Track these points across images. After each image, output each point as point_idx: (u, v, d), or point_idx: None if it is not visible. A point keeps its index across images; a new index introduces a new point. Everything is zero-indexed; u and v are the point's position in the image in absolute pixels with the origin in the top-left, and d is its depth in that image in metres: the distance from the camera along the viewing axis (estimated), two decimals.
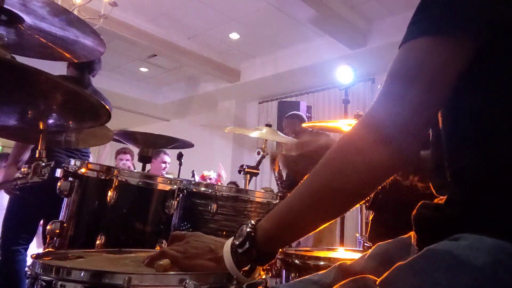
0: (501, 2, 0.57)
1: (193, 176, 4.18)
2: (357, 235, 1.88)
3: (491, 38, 0.57)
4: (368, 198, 0.67)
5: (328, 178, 0.64)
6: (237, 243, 0.67)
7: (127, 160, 4.39)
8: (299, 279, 0.71)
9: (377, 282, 0.57)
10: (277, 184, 2.47)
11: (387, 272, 0.56)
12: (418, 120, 0.59)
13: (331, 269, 0.76)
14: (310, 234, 0.70)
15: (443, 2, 0.59)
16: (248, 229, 0.68)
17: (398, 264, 0.56)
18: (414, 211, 0.68)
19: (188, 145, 1.96)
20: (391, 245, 0.77)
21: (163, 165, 4.61)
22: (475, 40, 0.58)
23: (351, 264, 0.76)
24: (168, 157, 4.63)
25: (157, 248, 1.22)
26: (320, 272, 0.77)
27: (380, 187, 0.65)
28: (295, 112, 4.44)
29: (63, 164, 1.27)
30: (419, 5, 0.62)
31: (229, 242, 0.70)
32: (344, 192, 0.63)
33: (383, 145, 0.59)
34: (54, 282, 0.65)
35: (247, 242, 0.67)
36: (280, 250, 1.13)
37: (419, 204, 0.70)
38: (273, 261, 0.74)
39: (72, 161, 1.27)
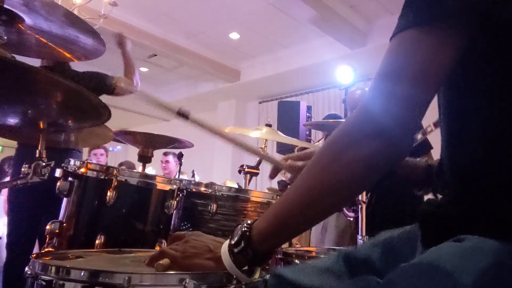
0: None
1: (193, 176, 4.18)
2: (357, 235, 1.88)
3: (489, 34, 0.57)
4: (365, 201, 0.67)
5: (319, 175, 0.63)
6: (233, 242, 0.68)
7: (101, 155, 4.34)
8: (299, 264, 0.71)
9: (379, 282, 0.57)
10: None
11: (390, 273, 0.56)
12: (408, 114, 0.59)
13: (331, 255, 0.76)
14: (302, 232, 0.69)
15: None
16: (243, 229, 0.68)
17: (402, 264, 0.56)
18: (420, 207, 0.68)
19: (188, 145, 1.96)
20: (396, 234, 0.77)
21: (162, 164, 4.62)
22: (463, 31, 0.57)
23: (353, 251, 0.75)
24: (164, 155, 4.62)
25: (157, 248, 1.22)
26: (319, 258, 0.77)
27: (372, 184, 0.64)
28: (331, 113, 4.24)
29: (63, 164, 1.27)
30: None
31: (227, 242, 0.70)
32: (336, 188, 0.63)
33: (374, 139, 0.59)
34: (54, 281, 0.65)
35: (242, 241, 0.67)
36: (280, 249, 1.13)
37: (424, 201, 0.70)
38: (273, 261, 0.74)
39: (72, 161, 1.27)
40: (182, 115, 0.91)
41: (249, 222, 0.69)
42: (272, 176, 1.01)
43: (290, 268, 0.74)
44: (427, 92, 0.59)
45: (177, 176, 4.21)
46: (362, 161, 0.60)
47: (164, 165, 4.66)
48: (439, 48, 0.57)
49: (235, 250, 0.67)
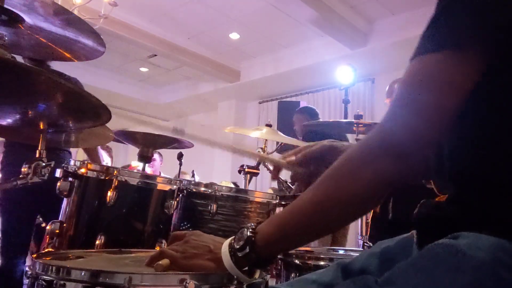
0: (504, 7, 0.57)
1: (193, 176, 4.18)
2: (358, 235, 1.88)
3: (498, 45, 0.58)
4: None
5: (333, 190, 0.63)
6: (237, 246, 0.67)
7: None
8: (297, 278, 0.71)
9: (377, 281, 0.57)
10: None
11: (388, 272, 0.56)
12: (430, 133, 0.59)
13: (330, 267, 0.76)
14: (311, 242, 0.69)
15: (454, 17, 0.59)
16: (248, 233, 0.67)
17: (398, 264, 0.56)
18: (416, 210, 0.68)
19: (188, 145, 1.96)
20: (392, 243, 0.77)
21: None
22: (486, 53, 0.58)
23: (350, 262, 0.75)
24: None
25: (157, 248, 1.22)
26: (318, 271, 0.77)
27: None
28: (306, 106, 4.34)
29: (63, 164, 1.27)
30: (431, 19, 0.62)
31: (227, 242, 0.69)
32: (349, 204, 0.62)
33: (395, 158, 0.59)
34: (54, 281, 0.65)
35: (247, 247, 0.66)
36: None
37: (420, 203, 0.70)
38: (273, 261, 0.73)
39: (72, 161, 1.27)
40: (178, 132, 0.90)
41: (253, 225, 0.68)
42: (274, 176, 1.01)
43: (288, 284, 0.74)
44: (450, 113, 0.59)
45: (165, 174, 4.23)
46: (382, 179, 0.60)
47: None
48: (466, 70, 0.58)
49: (239, 254, 0.66)
